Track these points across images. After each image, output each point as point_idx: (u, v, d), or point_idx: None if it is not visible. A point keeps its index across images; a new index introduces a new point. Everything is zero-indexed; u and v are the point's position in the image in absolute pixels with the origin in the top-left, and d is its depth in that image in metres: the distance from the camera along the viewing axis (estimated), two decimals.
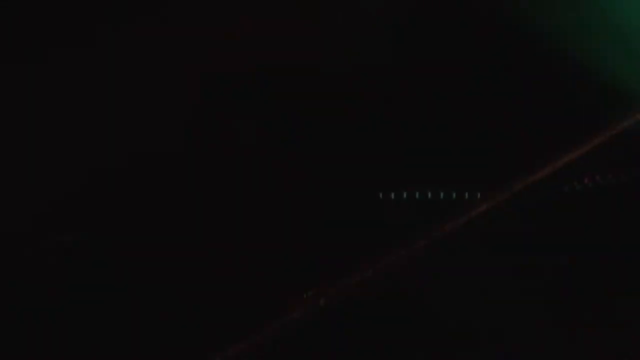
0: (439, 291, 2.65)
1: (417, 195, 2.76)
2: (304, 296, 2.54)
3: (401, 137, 2.82)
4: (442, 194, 2.75)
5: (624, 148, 2.69)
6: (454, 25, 2.88)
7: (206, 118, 2.79)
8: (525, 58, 2.83)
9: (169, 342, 2.48)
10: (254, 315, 2.49)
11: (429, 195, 2.76)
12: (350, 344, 2.57)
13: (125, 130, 2.74)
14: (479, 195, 2.67)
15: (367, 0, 2.89)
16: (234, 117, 2.79)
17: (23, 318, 2.51)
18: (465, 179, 2.75)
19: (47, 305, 2.53)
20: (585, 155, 2.55)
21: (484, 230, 2.66)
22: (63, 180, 2.68)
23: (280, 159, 2.76)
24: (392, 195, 2.76)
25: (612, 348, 2.47)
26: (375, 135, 2.79)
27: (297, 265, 2.64)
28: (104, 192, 2.72)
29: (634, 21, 2.79)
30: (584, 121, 2.69)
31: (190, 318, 2.54)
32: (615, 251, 2.67)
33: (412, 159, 2.81)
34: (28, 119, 2.72)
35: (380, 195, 2.76)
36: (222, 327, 2.49)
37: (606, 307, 2.57)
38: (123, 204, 2.71)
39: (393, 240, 2.66)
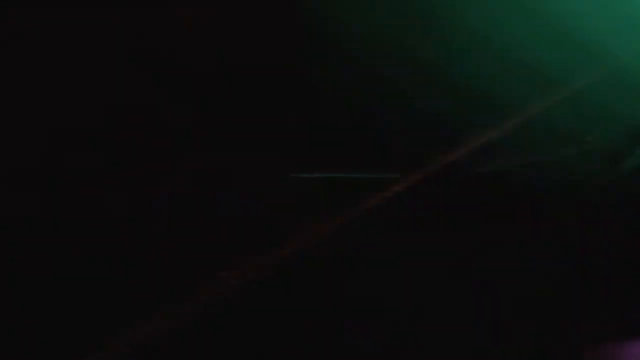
0: (353, 269, 2.67)
1: (331, 176, 2.76)
2: (215, 276, 2.55)
3: (317, 119, 2.82)
4: (357, 175, 2.76)
5: (528, 135, 2.73)
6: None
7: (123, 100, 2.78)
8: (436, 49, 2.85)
9: (81, 322, 2.48)
10: (166, 296, 2.50)
11: (344, 176, 2.77)
12: (262, 323, 2.58)
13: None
14: (394, 177, 2.69)
15: None
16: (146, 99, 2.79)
17: None
18: (382, 161, 2.76)
19: None
20: (493, 142, 2.59)
21: (398, 210, 2.69)
22: None
23: (191, 141, 2.76)
24: (305, 176, 2.76)
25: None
26: (290, 117, 2.79)
27: (209, 246, 2.64)
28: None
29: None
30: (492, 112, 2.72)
31: (103, 300, 2.54)
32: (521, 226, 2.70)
33: (329, 140, 2.82)
34: None
35: (294, 175, 2.76)
36: (134, 308, 2.49)
37: (516, 280, 2.61)
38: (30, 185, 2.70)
39: (308, 221, 2.67)
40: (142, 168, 2.76)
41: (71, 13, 2.71)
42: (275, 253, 2.63)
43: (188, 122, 2.79)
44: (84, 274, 2.55)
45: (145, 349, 2.43)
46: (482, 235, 2.69)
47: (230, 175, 2.75)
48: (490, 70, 2.78)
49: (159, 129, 2.78)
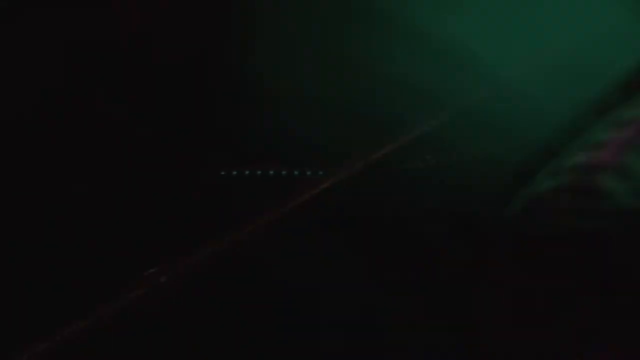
0: (282, 267, 2.68)
1: (259, 172, 2.77)
2: (144, 274, 2.54)
3: (242, 114, 2.83)
4: (284, 172, 2.78)
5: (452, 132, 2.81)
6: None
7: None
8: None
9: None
10: (93, 294, 2.47)
11: (272, 172, 2.78)
12: (192, 322, 2.57)
13: None
14: (320, 173, 2.72)
15: None
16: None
17: None
18: (307, 157, 2.79)
19: None
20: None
21: (325, 207, 2.72)
22: None
23: (123, 136, 2.74)
24: (235, 173, 2.77)
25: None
26: (217, 112, 2.80)
27: (138, 243, 2.63)
28: None
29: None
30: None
31: (26, 300, 2.50)
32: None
33: (254, 137, 2.83)
34: None
35: (223, 172, 2.77)
36: (60, 305, 2.46)
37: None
38: None
39: (236, 217, 2.68)
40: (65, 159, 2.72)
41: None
42: (205, 250, 2.62)
43: (117, 118, 2.77)
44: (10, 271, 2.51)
45: (71, 350, 2.40)
46: (410, 231, 2.74)
47: (157, 171, 2.74)
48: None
49: (90, 122, 2.76)
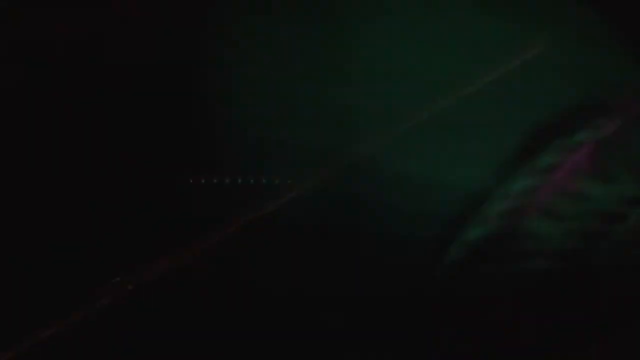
0: (250, 276, 2.68)
1: (227, 180, 2.77)
2: (112, 282, 2.54)
3: (211, 122, 2.83)
4: (252, 180, 2.77)
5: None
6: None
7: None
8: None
9: None
10: (61, 302, 2.47)
11: (240, 181, 2.78)
12: (160, 330, 2.57)
13: None
14: (288, 181, 2.72)
15: None
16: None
17: None
18: (276, 165, 2.78)
19: None
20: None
21: (294, 216, 2.71)
22: None
23: (90, 144, 2.73)
24: (203, 180, 2.76)
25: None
26: (184, 119, 2.79)
27: (105, 252, 2.62)
28: None
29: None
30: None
31: None
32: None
33: (223, 144, 2.83)
34: None
35: (190, 180, 2.76)
36: (29, 314, 2.46)
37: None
38: None
39: (204, 225, 2.67)
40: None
41: None
42: (172, 258, 2.62)
43: (87, 126, 2.76)
44: None
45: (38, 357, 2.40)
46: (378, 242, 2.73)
47: (124, 178, 2.73)
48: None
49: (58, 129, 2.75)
